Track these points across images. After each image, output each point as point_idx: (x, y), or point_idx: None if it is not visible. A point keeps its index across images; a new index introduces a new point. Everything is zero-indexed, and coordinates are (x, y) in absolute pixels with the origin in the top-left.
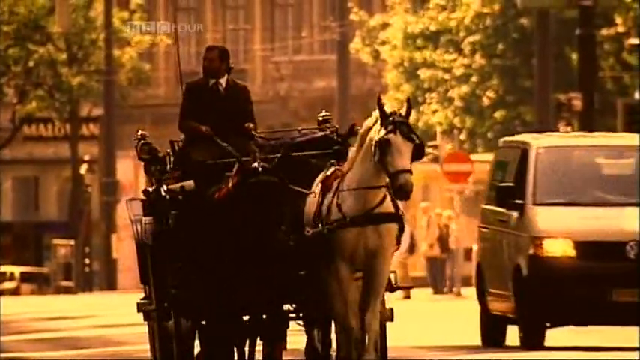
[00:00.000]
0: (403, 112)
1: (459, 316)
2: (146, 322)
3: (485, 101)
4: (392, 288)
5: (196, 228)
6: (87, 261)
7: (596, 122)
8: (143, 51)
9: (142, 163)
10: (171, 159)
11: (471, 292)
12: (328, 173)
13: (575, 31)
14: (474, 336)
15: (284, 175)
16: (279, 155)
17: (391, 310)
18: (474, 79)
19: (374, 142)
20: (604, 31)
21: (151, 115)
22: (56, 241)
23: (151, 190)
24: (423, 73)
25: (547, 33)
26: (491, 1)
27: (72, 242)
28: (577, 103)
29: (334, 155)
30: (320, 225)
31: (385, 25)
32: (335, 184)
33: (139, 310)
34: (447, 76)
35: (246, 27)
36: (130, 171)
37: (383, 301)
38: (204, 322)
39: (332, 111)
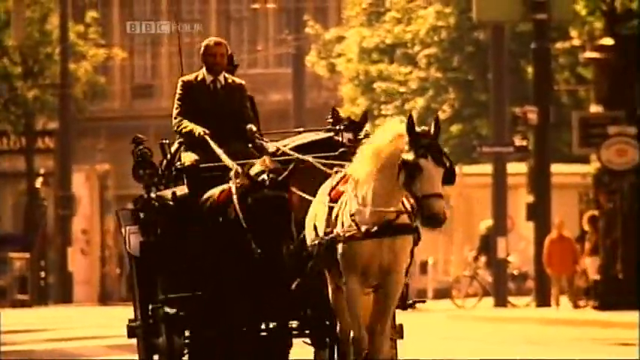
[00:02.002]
0: (431, 131)
1: (415, 330)
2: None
3: (441, 115)
4: (404, 305)
5: (190, 237)
6: (42, 274)
7: (551, 136)
8: (98, 64)
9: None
10: (163, 162)
11: (425, 305)
12: (334, 182)
13: (531, 45)
14: (430, 350)
15: (293, 183)
16: (290, 166)
17: (400, 326)
18: (429, 92)
19: (399, 163)
20: (559, 45)
21: (107, 129)
22: (11, 254)
23: (143, 196)
24: (379, 87)
25: (502, 46)
26: (447, 15)
27: (27, 255)
28: (532, 117)
29: (339, 158)
30: (330, 234)
31: (341, 39)
32: (344, 193)
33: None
34: (402, 89)
35: (201, 41)
36: (81, 185)
37: (393, 317)
38: (196, 339)
39: (288, 124)
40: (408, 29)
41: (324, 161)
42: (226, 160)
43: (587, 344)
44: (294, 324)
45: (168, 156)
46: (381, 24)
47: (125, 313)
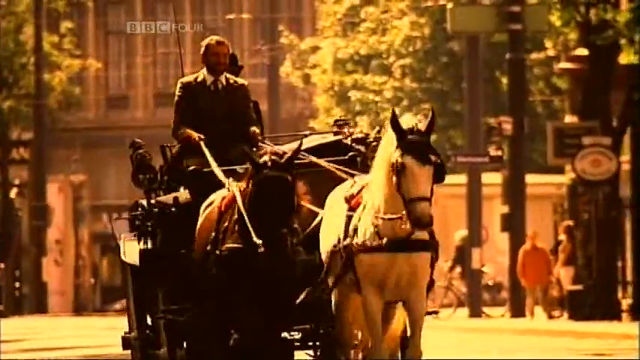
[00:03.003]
0: (423, 126)
1: None
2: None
3: None
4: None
5: (193, 245)
6: (17, 284)
7: (526, 146)
8: (73, 75)
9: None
10: (164, 167)
11: None
12: (354, 191)
13: (505, 55)
14: None
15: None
16: (294, 147)
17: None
18: (404, 102)
19: (390, 166)
20: (534, 55)
21: (81, 139)
22: None
23: (144, 201)
24: (354, 96)
25: (477, 57)
26: (421, 25)
27: (2, 266)
28: (507, 127)
29: (349, 163)
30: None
31: (315, 49)
32: (362, 204)
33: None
34: (377, 99)
35: (177, 50)
36: (55, 195)
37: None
38: (195, 350)
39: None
40: (382, 40)
41: (341, 168)
42: (219, 174)
43: (561, 354)
44: (296, 335)
45: (170, 160)
46: (355, 34)
47: (100, 323)
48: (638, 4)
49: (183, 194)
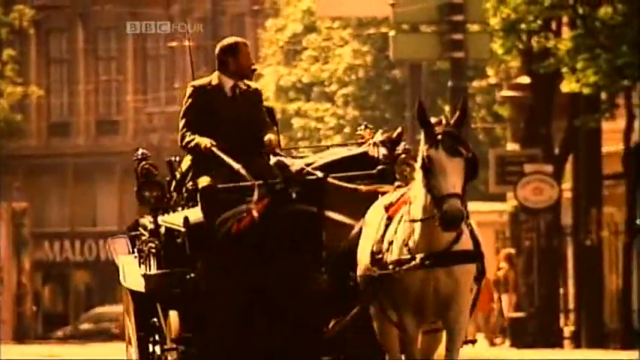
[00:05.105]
0: (453, 119)
1: None
2: None
3: None
4: None
5: (206, 269)
6: None
7: None
8: (14, 102)
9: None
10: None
11: None
12: (393, 199)
13: (448, 83)
14: None
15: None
16: (316, 177)
17: None
18: (346, 130)
19: (419, 163)
20: (476, 83)
21: (23, 166)
22: None
23: (146, 220)
24: (296, 123)
25: (419, 85)
26: (364, 53)
27: None
28: None
29: (378, 176)
30: (380, 265)
31: (258, 76)
32: (399, 214)
33: None
34: (320, 126)
35: (119, 78)
36: None
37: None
38: None
39: None
40: (324, 68)
41: (343, 184)
42: (244, 173)
43: None
44: None
45: (178, 175)
46: (297, 62)
47: (42, 350)
48: (580, 32)
49: (194, 213)
